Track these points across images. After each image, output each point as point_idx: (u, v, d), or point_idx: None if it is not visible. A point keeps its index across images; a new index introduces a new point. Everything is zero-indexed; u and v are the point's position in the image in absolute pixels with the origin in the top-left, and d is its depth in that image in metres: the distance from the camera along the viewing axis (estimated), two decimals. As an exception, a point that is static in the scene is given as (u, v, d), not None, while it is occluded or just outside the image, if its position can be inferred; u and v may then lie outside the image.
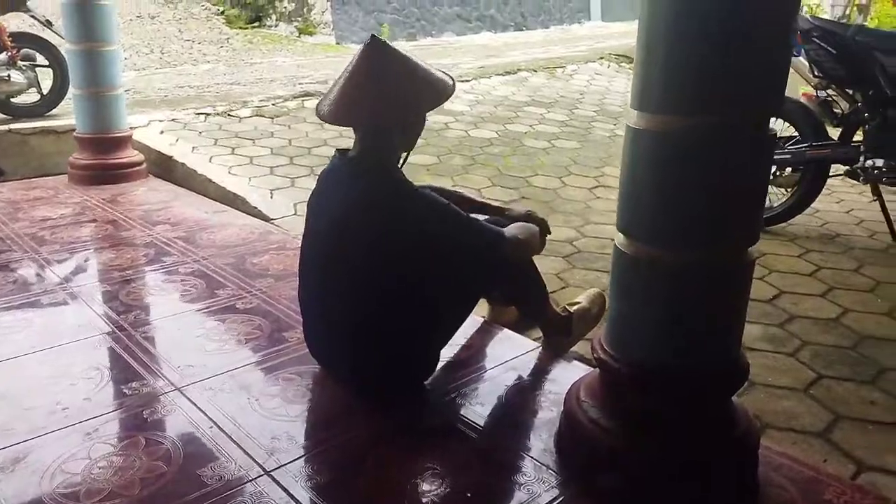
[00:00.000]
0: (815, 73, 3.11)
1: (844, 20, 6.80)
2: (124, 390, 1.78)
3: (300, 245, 1.81)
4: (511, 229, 1.83)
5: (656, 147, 1.23)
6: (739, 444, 1.37)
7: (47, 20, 4.68)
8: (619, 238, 1.37)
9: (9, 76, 4.41)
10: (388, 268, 1.62)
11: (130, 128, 4.13)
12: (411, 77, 1.61)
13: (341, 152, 1.73)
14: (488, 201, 2.11)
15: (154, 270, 2.64)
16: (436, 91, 1.63)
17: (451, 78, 1.67)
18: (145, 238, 2.98)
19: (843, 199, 3.97)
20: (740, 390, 1.91)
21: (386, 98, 1.59)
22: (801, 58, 3.14)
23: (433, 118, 5.17)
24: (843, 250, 3.15)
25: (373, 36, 1.64)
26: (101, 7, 3.67)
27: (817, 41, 3.06)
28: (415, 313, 1.68)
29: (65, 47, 3.93)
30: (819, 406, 1.89)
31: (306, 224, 1.79)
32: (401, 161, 1.72)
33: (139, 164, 4.02)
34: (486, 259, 1.77)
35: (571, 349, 2.11)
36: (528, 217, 2.00)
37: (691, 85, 1.17)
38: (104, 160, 3.87)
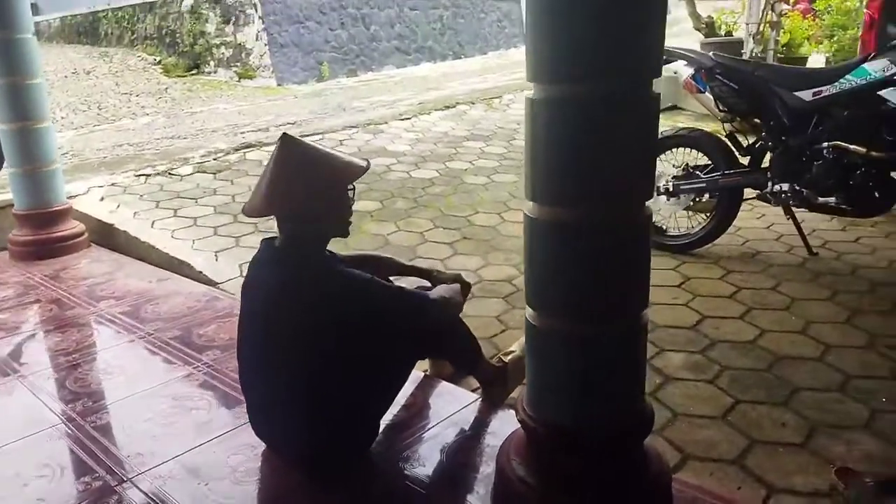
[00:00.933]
0: (721, 108, 3.34)
1: (758, 37, 7.20)
2: (77, 486, 1.82)
3: (237, 328, 1.89)
4: (435, 292, 1.96)
5: (548, 234, 1.38)
6: (652, 488, 1.50)
7: (-23, 97, 4.65)
8: (529, 311, 1.50)
9: (-60, 155, 4.37)
10: (321, 348, 1.71)
11: (69, 197, 4.14)
12: (314, 165, 1.71)
13: (267, 241, 1.83)
14: (415, 264, 2.24)
15: (100, 351, 2.67)
16: (338, 175, 1.73)
17: (364, 160, 1.78)
18: (90, 316, 3.01)
19: (763, 215, 4.21)
20: (664, 424, 2.07)
21: (290, 187, 1.70)
22: (707, 94, 3.37)
23: (376, 161, 5.30)
24: (762, 268, 3.37)
25: (283, 134, 1.75)
26: (31, 86, 3.70)
27: (720, 78, 3.29)
28: (353, 387, 1.77)
29: (-2, 127, 3.93)
30: (735, 432, 2.05)
31: (241, 310, 1.88)
32: (325, 242, 1.82)
33: (80, 234, 4.02)
34: (414, 324, 1.88)
35: (510, 396, 2.23)
36: (456, 279, 2.13)
37: (567, 180, 1.32)
38: (44, 235, 3.87)
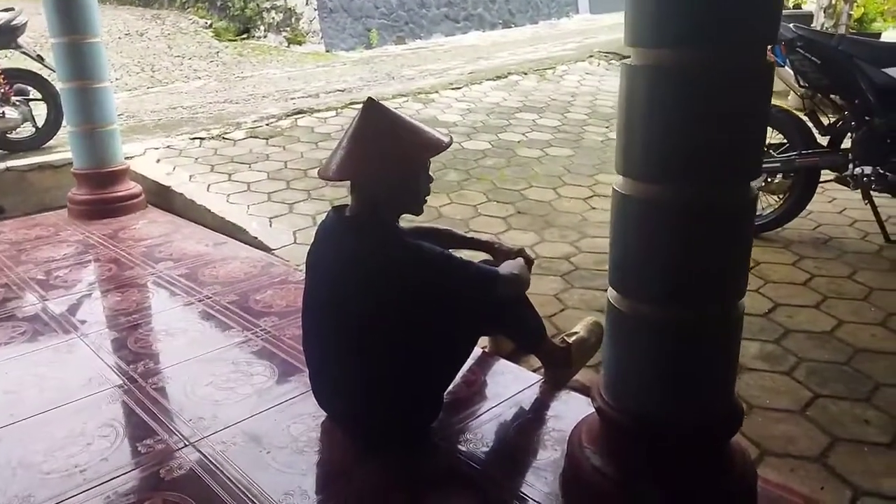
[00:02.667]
0: (801, 83, 3.15)
1: (830, 10, 6.83)
2: (139, 448, 1.82)
3: (302, 297, 1.86)
4: (505, 268, 1.88)
5: (642, 212, 1.29)
6: (737, 487, 1.42)
7: (38, 55, 4.71)
8: (612, 293, 1.41)
9: (3, 113, 4.45)
10: (388, 320, 1.67)
11: (126, 158, 4.17)
12: (396, 134, 1.65)
13: (336, 209, 1.78)
14: (475, 236, 2.17)
15: (159, 313, 2.69)
16: (421, 147, 1.67)
17: (447, 136, 1.71)
18: (149, 277, 3.03)
19: (835, 198, 4.00)
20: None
21: (369, 154, 1.64)
22: (786, 68, 3.18)
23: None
24: (836, 255, 3.20)
25: (369, 98, 1.68)
26: (91, 45, 3.71)
27: (801, 51, 3.10)
28: (418, 361, 1.72)
29: (58, 85, 3.96)
30: (816, 428, 1.94)
31: (306, 279, 1.84)
32: (398, 215, 1.76)
33: (137, 195, 4.06)
34: (483, 300, 1.82)
35: (573, 378, 2.16)
36: (520, 253, 2.05)
37: (668, 155, 1.22)
38: (103, 194, 3.91)
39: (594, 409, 1.53)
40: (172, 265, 3.16)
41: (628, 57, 1.29)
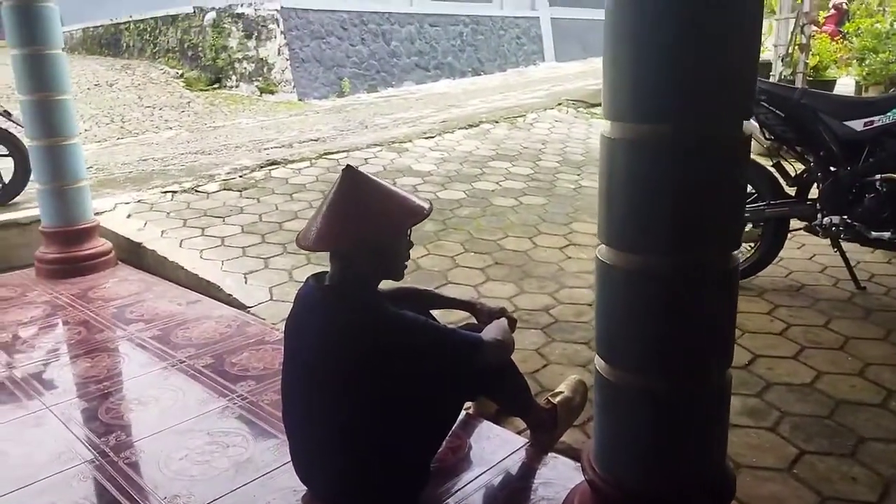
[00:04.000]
0: (767, 136, 3.24)
1: (788, 59, 7.10)
2: (112, 531, 1.74)
3: (280, 361, 1.81)
4: (488, 332, 1.86)
5: (625, 282, 1.29)
6: (734, 558, 1.40)
7: (5, 111, 4.65)
8: (600, 363, 1.40)
9: (-32, 169, 4.36)
10: (371, 392, 1.63)
11: (96, 214, 4.10)
12: (375, 202, 1.64)
13: (316, 277, 1.75)
14: (456, 296, 2.16)
15: (131, 379, 2.60)
16: (402, 215, 1.66)
17: (427, 203, 1.70)
18: (120, 341, 2.94)
19: (804, 244, 4.09)
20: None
21: (349, 224, 1.62)
22: (752, 121, 3.27)
23: (403, 181, 5.23)
24: (810, 303, 3.24)
25: (347, 166, 1.68)
26: (60, 102, 3.67)
27: (766, 105, 3.19)
28: (401, 429, 1.68)
29: (26, 142, 3.90)
30: (804, 487, 1.93)
31: (285, 349, 1.79)
32: (378, 282, 1.74)
33: (107, 253, 3.97)
34: (468, 368, 1.79)
35: (559, 440, 2.13)
36: (502, 313, 2.04)
37: (649, 226, 1.24)
38: (71, 253, 3.82)
39: (585, 480, 1.50)
40: (144, 326, 3.07)
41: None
